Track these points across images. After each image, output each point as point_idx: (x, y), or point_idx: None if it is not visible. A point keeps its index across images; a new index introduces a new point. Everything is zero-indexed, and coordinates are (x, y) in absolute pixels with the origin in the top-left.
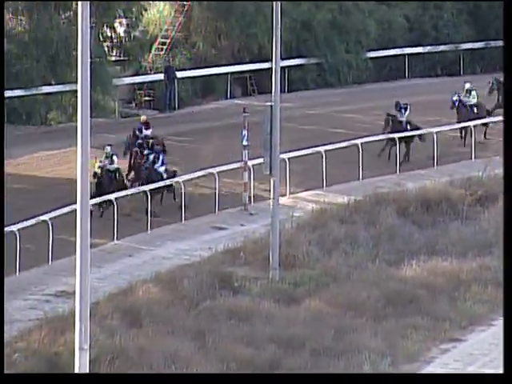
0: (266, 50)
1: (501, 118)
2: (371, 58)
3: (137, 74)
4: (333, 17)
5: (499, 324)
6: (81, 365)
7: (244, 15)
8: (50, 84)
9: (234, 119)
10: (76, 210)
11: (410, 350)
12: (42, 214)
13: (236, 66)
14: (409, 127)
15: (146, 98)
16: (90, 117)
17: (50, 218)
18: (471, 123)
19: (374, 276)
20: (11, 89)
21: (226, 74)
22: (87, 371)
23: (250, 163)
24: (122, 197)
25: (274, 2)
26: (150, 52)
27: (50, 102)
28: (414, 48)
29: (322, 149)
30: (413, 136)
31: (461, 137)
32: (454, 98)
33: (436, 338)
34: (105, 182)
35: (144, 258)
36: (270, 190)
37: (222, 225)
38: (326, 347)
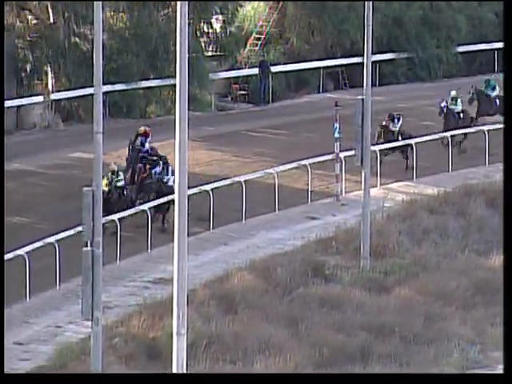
0: (357, 45)
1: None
2: (461, 53)
3: (232, 69)
4: (424, 13)
5: None
6: (178, 349)
7: (337, 12)
8: (149, 78)
9: (326, 112)
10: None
11: (499, 338)
12: (141, 204)
13: (328, 61)
14: (400, 138)
15: (241, 92)
16: (188, 110)
17: (149, 208)
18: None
19: (463, 265)
20: (112, 83)
21: (319, 68)
22: (184, 356)
23: (341, 155)
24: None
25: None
26: (245, 47)
27: (150, 96)
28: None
29: (412, 141)
30: (406, 145)
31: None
32: (442, 105)
33: None
34: (113, 199)
35: (239, 246)
36: (361, 182)
37: (314, 215)
38: (416, 334)
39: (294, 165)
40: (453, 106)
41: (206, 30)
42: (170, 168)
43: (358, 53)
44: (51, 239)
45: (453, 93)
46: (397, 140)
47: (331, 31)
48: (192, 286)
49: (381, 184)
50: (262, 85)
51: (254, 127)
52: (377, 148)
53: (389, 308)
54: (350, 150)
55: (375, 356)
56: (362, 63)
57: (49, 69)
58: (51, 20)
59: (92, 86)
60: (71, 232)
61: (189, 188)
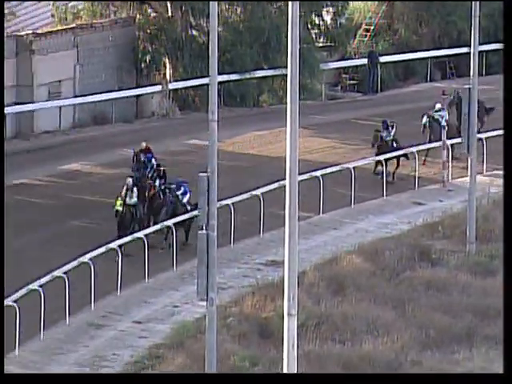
0: (464, 35)
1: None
2: None
3: (342, 59)
4: None
5: None
6: (289, 329)
7: (444, 5)
8: (262, 69)
9: (433, 101)
10: (285, 186)
11: None
12: (253, 190)
13: (436, 51)
14: (395, 145)
15: (351, 82)
16: (299, 99)
17: (262, 193)
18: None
19: None
20: (226, 73)
21: (426, 58)
22: (295, 336)
23: (448, 142)
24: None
25: None
26: (355, 38)
27: (262, 86)
28: None
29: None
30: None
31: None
32: (424, 121)
33: None
34: (126, 219)
35: (348, 230)
36: (467, 168)
37: (421, 200)
38: None
39: (402, 152)
40: (437, 117)
41: (316, 22)
42: (182, 188)
43: (465, 43)
44: (168, 222)
45: (437, 105)
46: (392, 148)
47: (439, 22)
48: (302, 269)
49: (487, 170)
50: (371, 74)
51: (362, 115)
52: (483, 136)
53: (494, 291)
54: (458, 137)
55: (480, 337)
56: (469, 53)
57: (167, 60)
58: (169, 13)
59: (207, 76)
60: (187, 215)
61: (299, 174)
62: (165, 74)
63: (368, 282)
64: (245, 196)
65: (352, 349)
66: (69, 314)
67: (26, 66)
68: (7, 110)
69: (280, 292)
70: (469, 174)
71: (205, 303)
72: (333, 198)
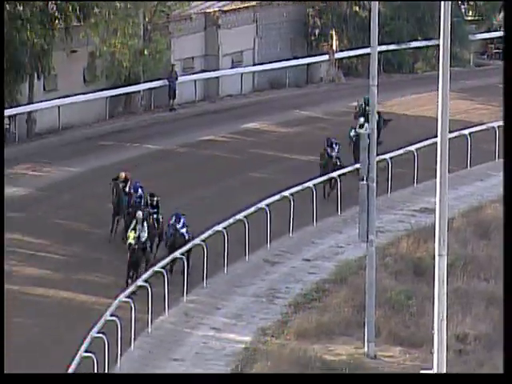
0: None
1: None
2: None
3: (488, 31)
4: None
5: None
6: (439, 268)
7: None
8: (417, 40)
9: None
10: (437, 142)
11: None
12: (408, 146)
13: None
14: (339, 163)
15: (496, 51)
16: (449, 66)
17: (416, 149)
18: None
19: None
20: (385, 44)
21: None
22: (445, 274)
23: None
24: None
25: None
26: (500, 12)
27: (417, 55)
28: None
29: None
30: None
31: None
32: (352, 134)
33: None
34: (138, 255)
35: (493, 182)
36: None
37: None
38: None
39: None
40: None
41: None
42: (182, 219)
43: None
44: (334, 174)
45: (361, 119)
46: (336, 165)
47: None
48: (451, 215)
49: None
50: None
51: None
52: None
53: None
54: None
55: None
56: None
57: (333, 32)
58: None
59: (369, 47)
60: (350, 168)
61: (449, 132)
62: (331, 45)
63: None
64: (400, 151)
65: (496, 286)
66: (248, 252)
67: (213, 38)
68: (198, 76)
69: (431, 235)
70: None
71: (365, 244)
72: (479, 154)
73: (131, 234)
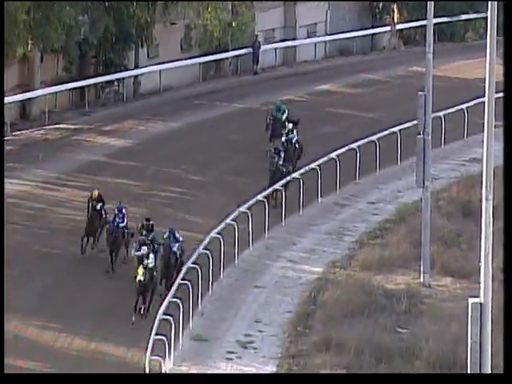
0: None
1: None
2: None
3: None
4: None
5: None
6: (486, 211)
7: None
8: (467, 13)
9: None
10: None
11: None
12: (460, 104)
13: None
14: (284, 170)
15: None
16: (496, 36)
17: (467, 107)
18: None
19: None
20: (440, 16)
21: None
22: (491, 215)
23: None
24: None
25: None
26: None
27: (467, 26)
28: None
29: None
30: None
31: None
32: (283, 139)
33: None
34: (147, 284)
35: None
36: None
37: None
38: None
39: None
40: (290, 136)
41: None
42: (177, 234)
43: None
44: (395, 129)
45: (290, 125)
46: (282, 173)
47: None
48: (496, 164)
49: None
50: None
51: None
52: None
53: None
54: None
55: None
56: None
57: (395, 6)
58: None
59: (425, 19)
60: (408, 124)
61: (496, 92)
62: (393, 18)
63: None
64: (452, 110)
65: None
66: (320, 196)
67: (290, 12)
68: (278, 45)
69: (479, 182)
70: None
71: (421, 189)
72: None
73: (140, 270)
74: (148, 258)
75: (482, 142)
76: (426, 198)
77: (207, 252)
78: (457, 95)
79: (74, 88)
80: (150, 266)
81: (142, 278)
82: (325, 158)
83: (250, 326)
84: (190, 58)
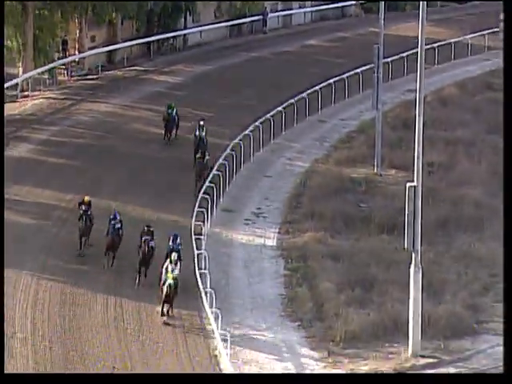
0: None
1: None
2: None
3: None
4: None
5: None
6: (418, 124)
7: None
8: None
9: None
10: None
11: None
12: (403, 52)
13: None
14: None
15: None
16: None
17: (407, 55)
18: None
19: None
20: None
21: None
22: (421, 128)
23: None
24: None
25: None
26: None
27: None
28: None
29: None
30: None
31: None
32: (196, 133)
33: None
34: (174, 292)
35: (456, 72)
36: None
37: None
38: None
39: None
40: (200, 133)
41: None
42: (178, 237)
43: None
44: (358, 70)
45: (201, 122)
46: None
47: None
48: (425, 93)
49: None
50: None
51: None
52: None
53: None
54: None
55: None
56: None
57: None
58: None
59: None
60: (367, 67)
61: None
62: None
63: (459, 98)
64: (396, 57)
65: (450, 133)
66: (308, 115)
67: None
68: (279, 13)
69: (414, 104)
70: None
71: (375, 110)
72: (447, 57)
73: (170, 275)
74: (176, 264)
75: (416, 78)
76: (379, 116)
77: (232, 152)
78: (399, 47)
79: (144, 43)
80: (176, 274)
81: (171, 282)
82: (309, 91)
83: (261, 202)
84: (220, 22)
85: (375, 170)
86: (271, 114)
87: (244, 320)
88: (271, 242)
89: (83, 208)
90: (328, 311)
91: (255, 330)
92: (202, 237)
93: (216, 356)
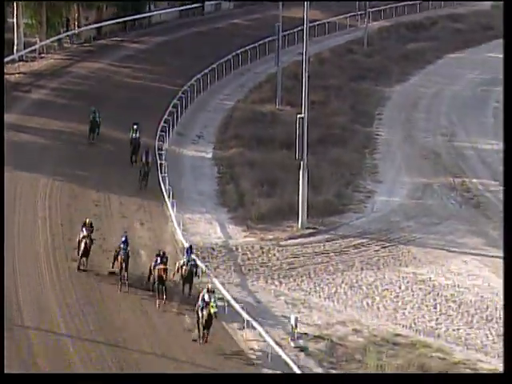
0: None
1: None
2: None
3: None
4: None
5: None
6: (304, 72)
7: None
8: None
9: None
10: None
11: None
12: (297, 27)
13: None
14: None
15: None
16: None
17: (301, 29)
18: None
19: None
20: None
21: None
22: (307, 76)
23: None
24: None
25: None
26: None
27: None
28: None
29: None
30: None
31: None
32: (131, 135)
33: None
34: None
35: (326, 43)
36: None
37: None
38: None
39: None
40: (134, 135)
41: None
42: (190, 250)
43: None
44: (266, 40)
45: (135, 126)
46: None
47: None
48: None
49: None
50: None
51: None
52: None
53: None
54: None
55: None
56: None
57: None
58: None
59: None
60: (271, 38)
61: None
62: None
63: (330, 57)
64: (294, 30)
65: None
66: (233, 69)
67: None
68: None
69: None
70: None
71: (277, 67)
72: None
73: (212, 307)
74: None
75: (303, 46)
76: (279, 71)
77: (183, 95)
78: (291, 25)
79: (121, 21)
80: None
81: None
82: (233, 54)
83: (202, 128)
84: (176, 6)
85: (277, 107)
86: (209, 68)
87: (191, 207)
88: (209, 155)
89: (86, 229)
90: (247, 200)
91: (199, 213)
92: (163, 152)
93: (173, 231)
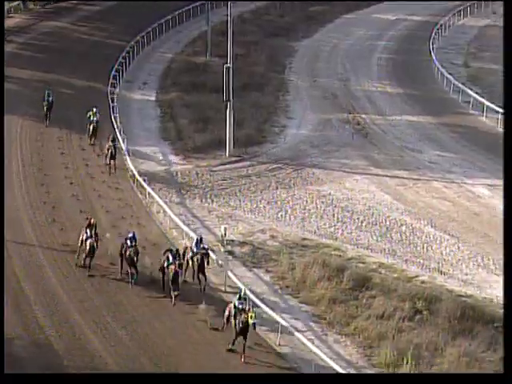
0: None
1: None
2: None
3: None
4: None
5: None
6: (229, 47)
7: None
8: None
9: None
10: None
11: None
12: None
13: None
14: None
15: None
16: None
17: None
18: None
19: None
20: None
21: None
22: (231, 50)
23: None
24: None
25: None
26: None
27: None
28: None
29: None
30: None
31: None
32: (94, 119)
33: None
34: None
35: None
36: None
37: None
38: None
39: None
40: (93, 118)
41: None
42: (200, 241)
43: None
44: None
45: (94, 109)
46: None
47: None
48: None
49: None
50: None
51: None
52: None
53: None
54: None
55: None
56: None
57: None
58: None
59: None
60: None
61: None
62: None
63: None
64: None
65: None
66: (171, 28)
67: None
68: None
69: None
70: None
71: (207, 26)
72: None
73: (251, 317)
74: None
75: (228, 10)
76: (209, 29)
77: (130, 49)
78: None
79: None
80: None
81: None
82: (171, 15)
83: (147, 76)
84: None
85: (207, 58)
86: (152, 26)
87: (138, 141)
88: (153, 99)
89: (91, 229)
90: (184, 135)
91: (145, 146)
92: (115, 96)
93: (124, 159)
